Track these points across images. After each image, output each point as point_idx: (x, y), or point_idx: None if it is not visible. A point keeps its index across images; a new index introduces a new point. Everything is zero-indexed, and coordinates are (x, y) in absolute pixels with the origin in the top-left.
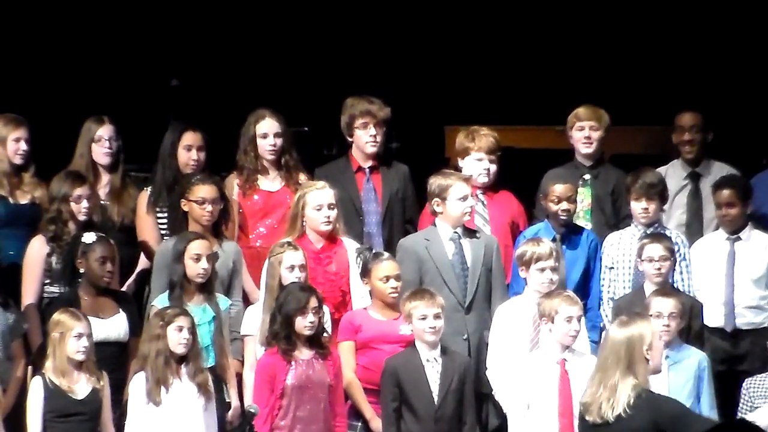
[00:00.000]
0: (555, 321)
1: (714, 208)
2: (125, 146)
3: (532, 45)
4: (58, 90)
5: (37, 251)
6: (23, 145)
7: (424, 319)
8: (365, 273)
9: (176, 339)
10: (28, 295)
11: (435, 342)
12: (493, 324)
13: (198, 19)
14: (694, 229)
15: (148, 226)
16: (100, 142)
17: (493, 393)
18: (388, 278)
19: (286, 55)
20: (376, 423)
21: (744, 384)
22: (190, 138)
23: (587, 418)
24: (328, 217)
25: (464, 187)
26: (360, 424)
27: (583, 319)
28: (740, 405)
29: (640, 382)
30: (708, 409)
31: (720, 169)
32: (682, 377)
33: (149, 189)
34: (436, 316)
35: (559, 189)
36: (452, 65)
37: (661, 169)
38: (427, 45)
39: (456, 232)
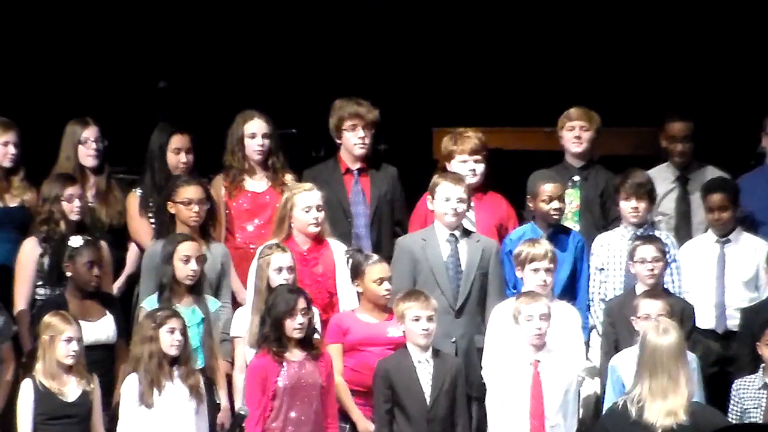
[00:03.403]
0: (519, 321)
1: (703, 213)
2: (113, 149)
3: (521, 47)
4: (46, 93)
5: (29, 253)
6: (12, 149)
7: (417, 320)
8: (357, 275)
9: (168, 341)
10: (20, 298)
11: (427, 344)
12: (488, 325)
13: (186, 21)
14: (683, 232)
15: (142, 226)
16: (87, 143)
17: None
18: (382, 280)
19: (274, 57)
20: (363, 424)
21: (733, 385)
22: (178, 141)
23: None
24: (317, 219)
25: (450, 187)
26: (348, 426)
27: (577, 318)
28: (730, 406)
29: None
30: None
31: (710, 173)
32: None
33: (138, 191)
34: (429, 318)
35: (549, 188)
36: (440, 67)
37: (649, 172)
38: (415, 47)
39: (453, 234)
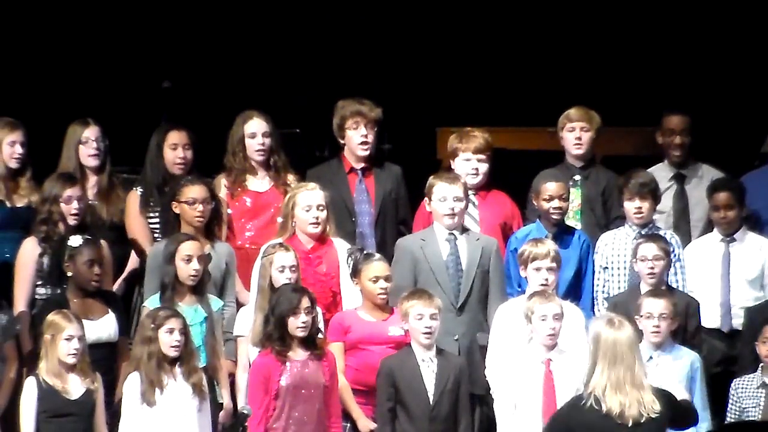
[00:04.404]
0: (532, 321)
1: (700, 209)
2: (117, 149)
3: (524, 46)
4: (51, 94)
5: (29, 253)
6: (18, 149)
7: (420, 318)
8: (355, 273)
9: (168, 341)
10: (21, 298)
11: (430, 343)
12: (493, 324)
13: (189, 21)
14: (682, 230)
15: (140, 226)
16: (87, 143)
17: (491, 393)
18: (377, 279)
19: (277, 57)
20: (363, 423)
21: (732, 384)
22: (175, 137)
23: (620, 421)
24: (317, 218)
25: (446, 187)
26: (348, 424)
27: (580, 317)
28: (728, 405)
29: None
30: (701, 410)
31: (706, 172)
32: (674, 378)
33: (139, 189)
34: (433, 317)
35: (551, 187)
36: (444, 67)
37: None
38: (419, 46)
39: (452, 233)
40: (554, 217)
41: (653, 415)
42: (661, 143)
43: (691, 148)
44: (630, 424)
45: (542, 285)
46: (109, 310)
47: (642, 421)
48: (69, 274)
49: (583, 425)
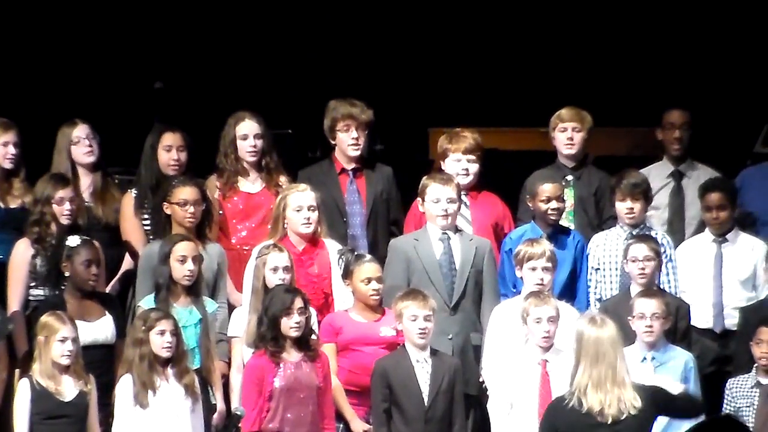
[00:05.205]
0: (527, 323)
1: (695, 207)
2: (110, 150)
3: (516, 47)
4: (44, 95)
5: (22, 254)
6: (12, 149)
7: (414, 319)
8: (347, 274)
9: (159, 343)
10: (14, 299)
11: (424, 343)
12: (489, 325)
13: (182, 22)
14: (676, 227)
15: (134, 228)
16: (79, 143)
17: (487, 394)
18: (369, 280)
19: (270, 57)
20: (356, 424)
21: (727, 384)
22: (169, 139)
23: (600, 419)
24: (308, 219)
25: (439, 188)
26: (341, 425)
27: (576, 318)
28: (723, 405)
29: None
30: None
31: (703, 171)
32: (668, 378)
33: (134, 191)
34: (427, 318)
35: (548, 188)
36: (436, 67)
37: (644, 170)
38: (411, 47)
39: (445, 233)
40: (552, 218)
41: (633, 412)
42: (661, 139)
43: (690, 144)
44: (609, 422)
45: (537, 285)
46: (107, 312)
47: (622, 418)
48: (66, 274)
49: (566, 424)
